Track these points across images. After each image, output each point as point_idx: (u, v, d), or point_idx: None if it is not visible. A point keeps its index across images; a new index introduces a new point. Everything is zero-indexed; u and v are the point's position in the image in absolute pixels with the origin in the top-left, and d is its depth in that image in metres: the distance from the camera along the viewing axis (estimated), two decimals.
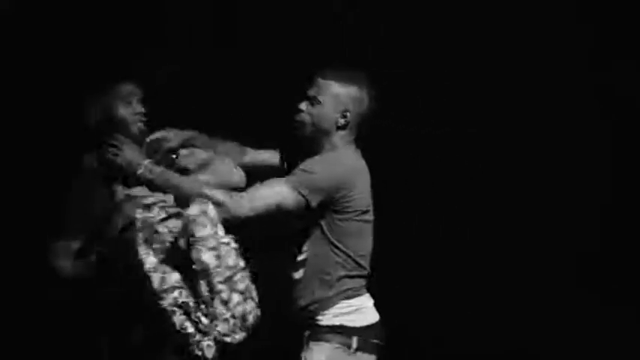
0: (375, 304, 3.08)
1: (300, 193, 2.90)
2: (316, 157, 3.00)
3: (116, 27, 4.41)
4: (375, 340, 3.02)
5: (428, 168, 4.53)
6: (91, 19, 4.41)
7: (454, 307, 4.53)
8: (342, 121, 3.01)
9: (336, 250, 2.98)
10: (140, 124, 3.17)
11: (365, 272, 3.05)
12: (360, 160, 3.08)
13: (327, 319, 2.99)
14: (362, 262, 3.03)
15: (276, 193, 2.91)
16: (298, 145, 3.09)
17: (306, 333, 3.03)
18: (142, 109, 3.18)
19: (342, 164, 2.99)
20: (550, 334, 4.49)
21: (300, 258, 3.03)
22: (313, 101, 3.01)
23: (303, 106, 3.02)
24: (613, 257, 4.48)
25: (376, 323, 3.04)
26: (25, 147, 4.38)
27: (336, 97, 3.01)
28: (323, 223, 2.97)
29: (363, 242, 3.04)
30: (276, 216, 2.93)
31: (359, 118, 3.04)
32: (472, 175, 4.53)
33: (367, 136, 3.14)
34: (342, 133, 3.04)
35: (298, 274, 3.04)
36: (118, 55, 4.33)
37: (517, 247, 4.51)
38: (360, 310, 3.02)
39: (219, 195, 2.90)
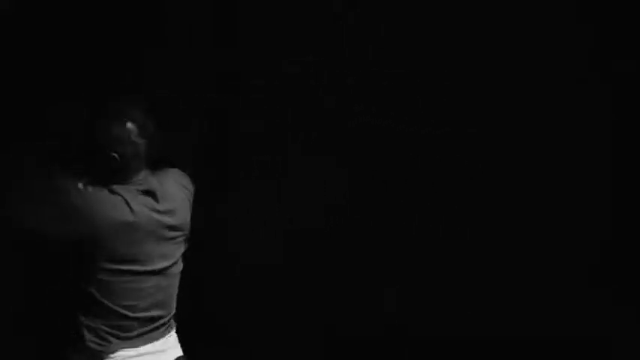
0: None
1: None
2: None
3: (116, 27, 4.42)
4: None
5: (428, 168, 4.53)
6: (90, 19, 4.41)
7: (455, 308, 4.53)
8: None
9: None
10: None
11: None
12: None
13: None
14: None
15: None
16: None
17: None
18: None
19: None
20: (556, 334, 4.49)
21: None
22: None
23: None
24: (621, 254, 4.49)
25: None
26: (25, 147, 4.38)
27: None
28: None
29: None
30: None
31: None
32: (472, 175, 4.53)
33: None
34: None
35: None
36: (117, 55, 4.33)
37: (519, 248, 4.51)
38: None
39: None
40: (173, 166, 3.08)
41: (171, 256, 2.92)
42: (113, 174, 2.83)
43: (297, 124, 4.50)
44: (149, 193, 2.86)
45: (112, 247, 2.77)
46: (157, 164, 2.98)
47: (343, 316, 4.46)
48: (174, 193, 2.95)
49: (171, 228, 2.90)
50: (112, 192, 2.81)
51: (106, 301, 2.80)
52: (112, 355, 2.83)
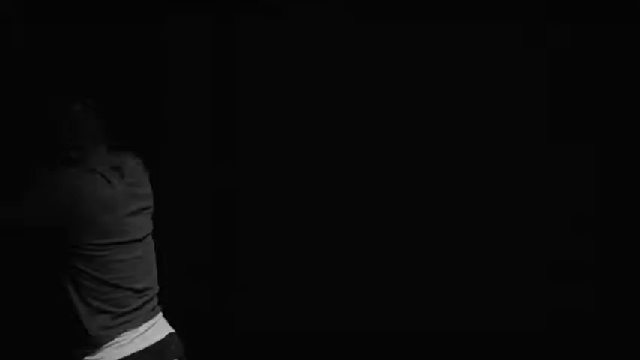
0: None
1: None
2: None
3: (116, 27, 4.42)
4: None
5: (428, 168, 4.54)
6: (90, 19, 4.41)
7: (455, 307, 4.54)
8: None
9: None
10: None
11: None
12: None
13: None
14: None
15: None
16: None
17: None
18: None
19: None
20: (555, 334, 4.50)
21: None
22: None
23: None
24: (620, 254, 4.50)
25: None
26: (25, 148, 4.38)
27: None
28: None
29: None
30: None
31: None
32: (472, 175, 4.54)
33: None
34: None
35: None
36: (117, 55, 4.34)
37: (519, 247, 4.52)
38: None
39: None
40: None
41: (145, 227, 3.02)
42: (66, 154, 2.92)
43: (298, 124, 4.50)
44: (116, 168, 2.99)
45: (98, 221, 2.85)
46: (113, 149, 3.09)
47: (343, 316, 4.46)
48: (134, 167, 3.08)
49: (140, 198, 3.01)
50: (89, 170, 2.91)
51: (98, 275, 2.86)
52: (116, 339, 2.88)
